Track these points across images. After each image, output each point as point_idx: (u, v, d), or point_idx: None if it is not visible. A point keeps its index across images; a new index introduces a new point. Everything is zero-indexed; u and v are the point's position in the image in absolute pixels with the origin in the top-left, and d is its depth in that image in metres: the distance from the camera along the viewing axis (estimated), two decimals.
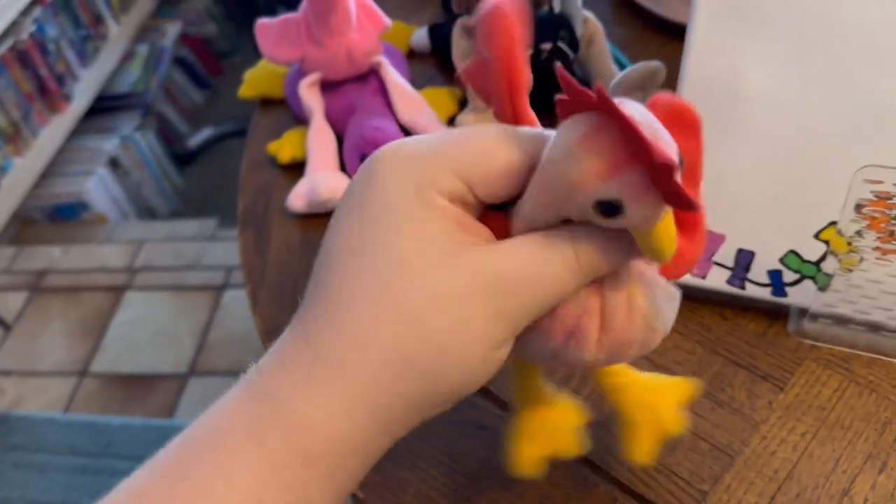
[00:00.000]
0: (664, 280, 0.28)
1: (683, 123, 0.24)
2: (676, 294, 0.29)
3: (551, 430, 0.36)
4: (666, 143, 0.23)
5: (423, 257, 0.24)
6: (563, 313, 0.26)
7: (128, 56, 2.00)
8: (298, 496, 0.23)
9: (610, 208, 0.23)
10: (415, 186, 0.25)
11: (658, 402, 0.35)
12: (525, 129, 0.27)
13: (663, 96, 0.25)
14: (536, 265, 0.25)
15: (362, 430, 0.24)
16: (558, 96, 0.24)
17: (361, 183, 0.26)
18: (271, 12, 0.60)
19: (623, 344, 0.27)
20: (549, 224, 0.26)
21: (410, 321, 0.24)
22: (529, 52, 0.56)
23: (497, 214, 0.27)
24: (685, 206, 0.22)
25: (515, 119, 0.27)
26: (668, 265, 0.28)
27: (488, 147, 0.26)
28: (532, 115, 0.27)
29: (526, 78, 0.27)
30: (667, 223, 0.23)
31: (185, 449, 0.24)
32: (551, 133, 0.25)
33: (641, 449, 0.35)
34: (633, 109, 0.22)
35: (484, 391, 0.43)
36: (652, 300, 0.27)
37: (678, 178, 0.21)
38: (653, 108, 0.24)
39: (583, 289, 0.26)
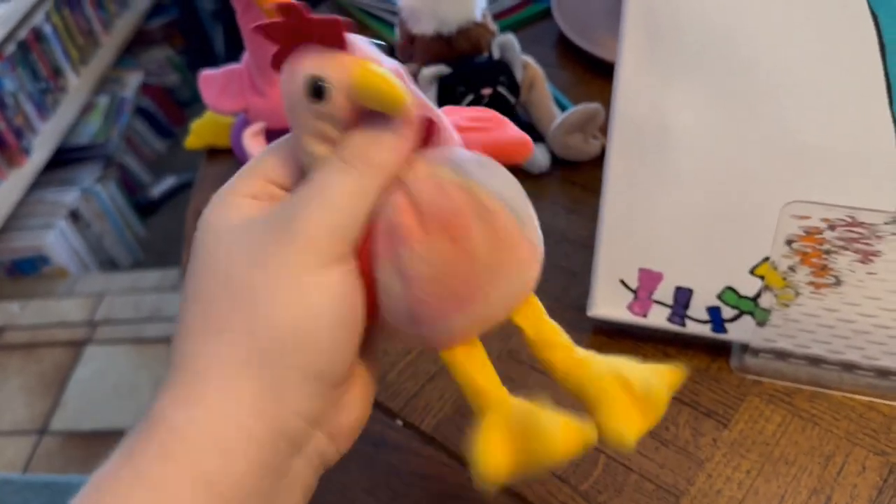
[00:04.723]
0: (471, 152, 0.28)
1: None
2: (490, 161, 0.28)
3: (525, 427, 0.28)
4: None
5: (219, 235, 0.26)
6: (377, 221, 0.26)
7: (88, 107, 1.99)
8: (159, 496, 0.23)
9: (316, 89, 0.25)
10: (220, 202, 0.27)
11: (632, 376, 0.28)
12: None
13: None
14: (307, 183, 0.26)
15: (220, 415, 0.24)
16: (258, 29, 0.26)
17: None
18: (232, 61, 0.60)
19: (454, 221, 0.26)
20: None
21: (213, 276, 0.26)
22: (470, 97, 0.56)
23: None
24: (329, 29, 0.24)
25: None
26: (474, 144, 0.29)
27: (277, 143, 0.29)
28: None
29: None
30: (366, 68, 0.25)
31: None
32: None
33: (626, 425, 0.27)
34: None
35: (429, 440, 0.43)
36: (455, 166, 0.26)
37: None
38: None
39: (387, 195, 0.27)
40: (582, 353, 0.30)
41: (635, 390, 0.28)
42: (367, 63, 0.25)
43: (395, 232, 0.26)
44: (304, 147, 0.27)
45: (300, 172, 0.28)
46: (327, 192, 0.26)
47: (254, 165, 0.28)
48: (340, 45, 0.25)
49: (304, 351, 0.25)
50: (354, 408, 0.29)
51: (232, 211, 0.27)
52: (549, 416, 0.27)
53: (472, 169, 0.27)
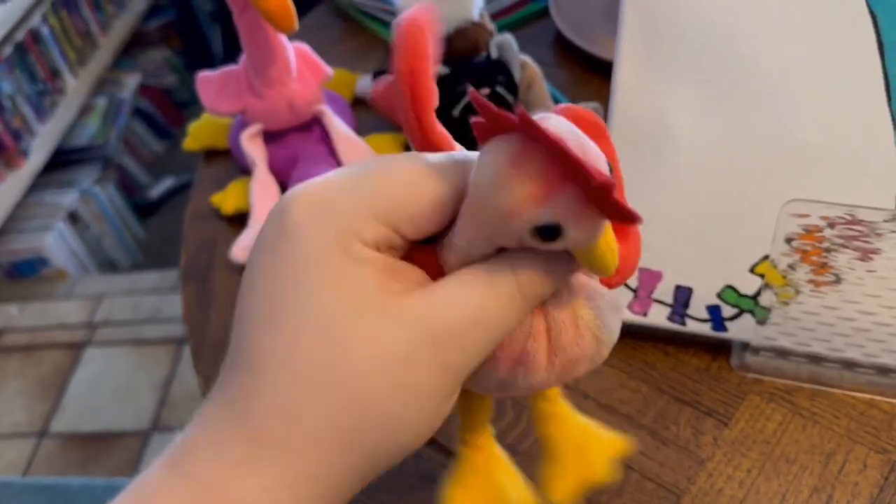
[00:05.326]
0: (606, 290, 0.27)
1: (591, 128, 0.24)
2: (620, 302, 0.28)
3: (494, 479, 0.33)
4: (596, 157, 0.22)
5: (354, 316, 0.22)
6: (509, 342, 0.25)
7: (86, 109, 1.99)
8: None
9: (549, 232, 0.22)
10: (336, 241, 0.22)
11: (589, 445, 0.33)
12: (444, 157, 0.24)
13: (561, 107, 0.25)
14: (479, 307, 0.23)
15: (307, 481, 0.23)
16: (473, 119, 0.22)
17: (274, 233, 0.23)
18: (230, 62, 0.60)
19: (574, 361, 0.26)
20: (485, 255, 0.24)
21: (348, 389, 0.22)
22: (468, 98, 0.56)
23: (426, 249, 0.25)
24: (628, 220, 0.21)
25: (424, 137, 0.25)
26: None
27: (410, 183, 0.23)
28: (442, 132, 0.26)
29: (432, 93, 0.25)
30: (608, 237, 0.22)
31: None
32: (473, 156, 0.24)
33: (561, 488, 0.32)
34: (558, 125, 0.22)
35: (429, 441, 0.42)
36: (598, 312, 0.26)
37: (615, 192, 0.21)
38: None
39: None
40: (560, 406, 0.33)
41: (590, 470, 0.33)
42: (611, 235, 0.22)
43: (525, 361, 0.25)
44: (474, 245, 0.24)
45: (433, 225, 0.24)
46: (493, 325, 0.23)
47: (384, 203, 0.23)
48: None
49: (400, 433, 0.24)
50: None
51: (354, 267, 0.22)
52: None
53: (608, 315, 0.26)
